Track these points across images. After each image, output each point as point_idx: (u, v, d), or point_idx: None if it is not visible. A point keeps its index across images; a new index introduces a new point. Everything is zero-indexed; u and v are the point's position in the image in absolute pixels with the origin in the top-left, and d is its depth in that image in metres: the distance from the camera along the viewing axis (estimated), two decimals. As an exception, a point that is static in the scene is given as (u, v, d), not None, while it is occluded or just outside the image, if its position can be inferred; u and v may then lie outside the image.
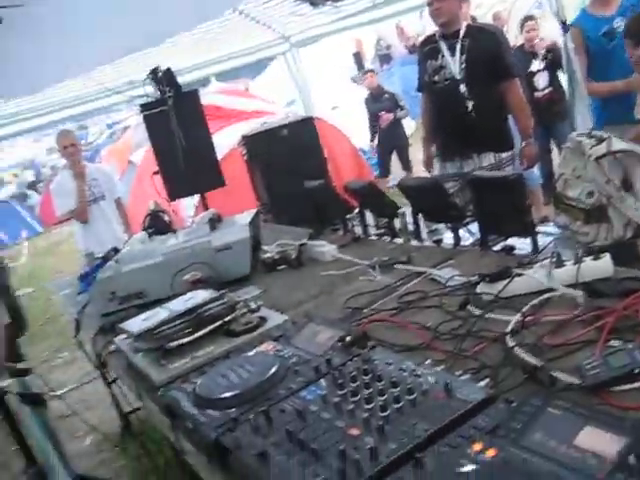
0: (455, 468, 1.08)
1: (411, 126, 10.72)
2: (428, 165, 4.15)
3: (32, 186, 18.82)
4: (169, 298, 2.45)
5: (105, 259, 2.98)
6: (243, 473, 1.37)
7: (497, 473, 1.05)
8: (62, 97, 6.86)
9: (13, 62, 2.85)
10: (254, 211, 3.03)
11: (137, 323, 2.20)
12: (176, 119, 4.07)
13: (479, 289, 1.96)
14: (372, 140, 9.43)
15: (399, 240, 2.85)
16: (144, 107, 4.11)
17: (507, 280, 1.88)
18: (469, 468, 1.07)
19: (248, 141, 4.74)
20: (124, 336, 2.28)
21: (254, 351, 1.84)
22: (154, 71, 4.01)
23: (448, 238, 2.66)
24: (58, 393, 5.71)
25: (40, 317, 8.61)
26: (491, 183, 2.25)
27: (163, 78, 4.01)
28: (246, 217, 2.96)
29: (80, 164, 5.78)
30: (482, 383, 1.38)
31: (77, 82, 5.95)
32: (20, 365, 2.43)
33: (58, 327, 7.54)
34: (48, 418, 2.52)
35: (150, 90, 4.21)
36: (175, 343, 2.00)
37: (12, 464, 2.90)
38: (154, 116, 4.09)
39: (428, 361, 1.53)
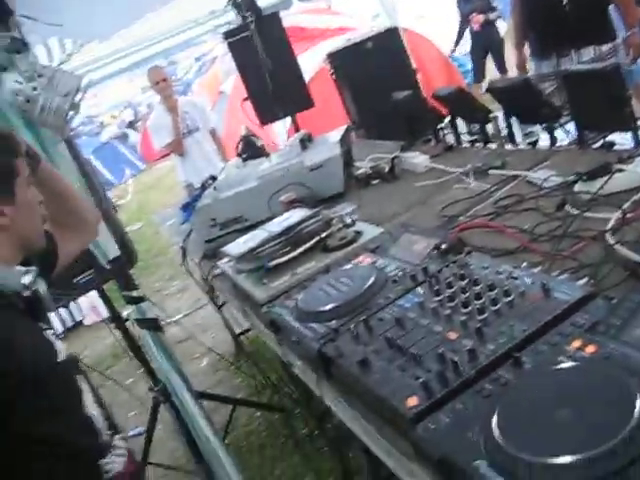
0: (554, 365, 1.08)
1: (504, 27, 10.22)
2: (521, 68, 3.96)
3: (131, 125, 19.34)
4: (267, 220, 2.51)
5: (203, 188, 3.07)
6: (346, 381, 1.42)
7: (597, 368, 1.04)
8: (147, 34, 6.96)
9: (96, 4, 2.91)
10: (344, 128, 3.02)
11: (238, 246, 2.28)
12: (260, 43, 4.05)
13: (577, 188, 1.89)
14: (456, 45, 9.09)
15: (493, 145, 2.78)
16: (227, 35, 4.11)
17: (606, 177, 1.81)
18: (568, 364, 1.07)
19: (333, 58, 4.67)
20: (227, 259, 2.37)
21: (352, 264, 1.88)
22: (234, -3, 3.99)
23: (544, 140, 2.56)
24: (174, 319, 6.05)
25: (151, 249, 9.02)
26: (586, 76, 2.14)
27: (243, 3, 3.98)
28: (336, 134, 2.96)
29: (172, 98, 5.90)
30: (581, 282, 1.35)
31: (160, 16, 6.01)
32: (135, 293, 2.56)
33: (168, 257, 7.87)
34: (166, 341, 2.66)
35: (232, 17, 4.20)
36: (275, 262, 2.06)
37: (139, 385, 3.12)
38: (238, 43, 4.09)
39: (524, 264, 1.51)
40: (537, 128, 2.62)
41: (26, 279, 1.31)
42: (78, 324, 6.86)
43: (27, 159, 1.55)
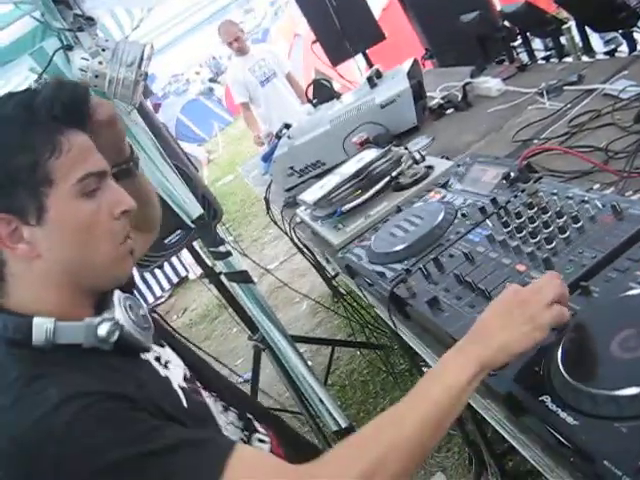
0: (621, 293, 1.05)
1: None
2: None
3: (214, 79, 19.59)
4: (343, 162, 2.51)
5: (278, 137, 3.09)
6: (420, 320, 1.43)
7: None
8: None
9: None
10: (411, 60, 2.94)
11: (313, 192, 2.30)
12: (323, -19, 3.96)
13: (656, 97, 1.78)
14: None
15: (569, 59, 2.64)
16: (289, -23, 4.05)
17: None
18: (635, 292, 1.03)
19: (399, -14, 4.51)
20: (304, 207, 2.40)
21: (421, 202, 1.86)
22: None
23: (624, 47, 2.41)
24: (272, 266, 6.21)
25: (246, 200, 9.22)
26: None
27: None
28: (404, 67, 2.88)
29: (246, 51, 5.92)
30: (656, 199, 1.29)
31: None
32: (222, 248, 2.63)
33: (262, 207, 8.03)
34: (258, 291, 2.74)
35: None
36: (348, 206, 2.07)
37: (244, 333, 3.24)
38: (300, -16, 4.02)
39: (596, 185, 1.46)
40: (616, 34, 2.45)
41: (102, 330, 1.02)
42: (184, 279, 7.15)
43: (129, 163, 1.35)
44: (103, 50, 2.38)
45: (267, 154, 3.42)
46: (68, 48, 2.40)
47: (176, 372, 1.19)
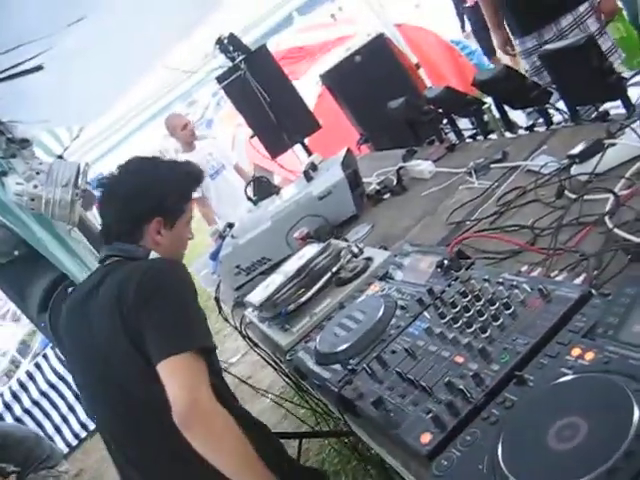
0: (556, 379, 1.07)
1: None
2: (505, 48, 3.83)
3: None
4: (289, 257, 2.53)
5: (222, 237, 3.11)
6: (368, 420, 1.43)
7: (597, 377, 1.02)
8: (150, 91, 7.09)
9: (88, 87, 2.99)
10: (344, 150, 3.02)
11: (258, 293, 2.30)
12: (254, 80, 4.08)
13: (573, 171, 1.86)
14: (463, 27, 8.95)
15: (494, 136, 2.75)
16: (220, 79, 4.15)
17: (599, 155, 1.77)
18: (569, 377, 1.06)
19: (325, 79, 4.66)
20: (251, 308, 2.40)
21: (363, 296, 1.88)
22: (218, 41, 4.03)
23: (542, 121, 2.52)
24: (235, 359, 6.13)
25: (202, 294, 9.10)
26: (563, 52, 2.09)
27: (229, 45, 4.02)
28: (339, 158, 2.96)
29: (193, 147, 5.99)
30: (579, 279, 1.33)
31: (155, 74, 6.13)
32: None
33: (219, 299, 7.96)
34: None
35: (223, 60, 4.25)
36: (292, 306, 2.08)
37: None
38: (233, 84, 4.12)
39: (524, 267, 1.50)
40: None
41: None
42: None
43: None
44: (37, 173, 2.40)
45: (214, 253, 3.42)
46: (2, 174, 2.41)
47: None
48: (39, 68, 2.25)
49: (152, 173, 2.10)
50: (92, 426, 6.20)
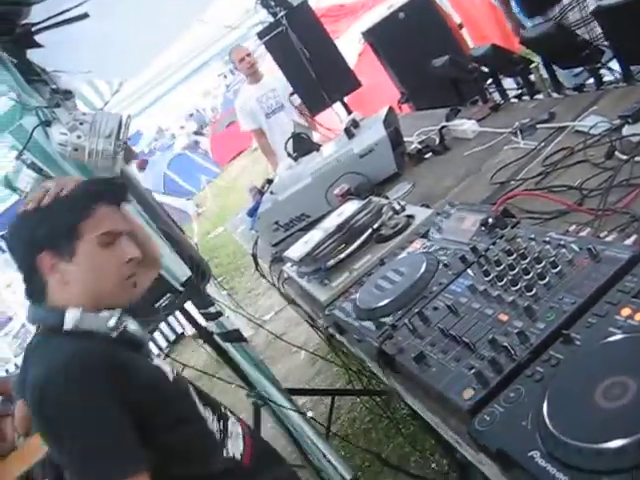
0: (604, 338, 1.05)
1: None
2: (518, 32, 3.71)
3: (199, 132, 19.77)
4: (328, 214, 2.53)
5: (261, 192, 3.11)
6: (408, 375, 1.43)
7: (645, 336, 1.01)
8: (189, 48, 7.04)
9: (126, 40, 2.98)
10: (386, 108, 2.98)
11: (298, 249, 2.30)
12: (295, 36, 4.04)
13: (625, 132, 1.81)
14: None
15: (540, 96, 2.69)
16: (261, 34, 4.11)
17: (654, 115, 1.72)
18: (618, 337, 1.04)
19: (368, 36, 4.59)
20: (290, 263, 2.40)
21: (404, 253, 1.87)
22: (260, -6, 3.98)
23: (591, 82, 2.46)
24: (268, 317, 6.19)
25: (237, 251, 9.19)
26: (619, 9, 2.02)
27: (270, 0, 3.97)
28: (380, 116, 2.92)
29: (258, 73, 5.89)
30: (630, 240, 1.30)
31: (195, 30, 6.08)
32: (212, 309, 2.63)
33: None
34: (251, 349, 2.73)
35: (264, 15, 4.21)
36: (332, 261, 2.08)
37: (240, 390, 3.20)
38: (273, 40, 4.08)
39: (572, 227, 1.47)
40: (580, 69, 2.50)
41: (111, 322, 1.48)
42: (181, 336, 7.11)
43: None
44: (81, 124, 2.41)
45: (252, 209, 3.44)
46: (47, 124, 2.43)
47: (166, 366, 1.63)
48: (85, 16, 2.25)
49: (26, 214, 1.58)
50: None
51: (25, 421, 5.21)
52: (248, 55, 5.73)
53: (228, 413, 1.76)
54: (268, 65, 6.34)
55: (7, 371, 9.16)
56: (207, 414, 1.64)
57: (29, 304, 1.57)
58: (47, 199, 1.53)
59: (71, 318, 1.45)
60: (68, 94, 2.67)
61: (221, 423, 1.67)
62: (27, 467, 4.60)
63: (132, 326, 1.54)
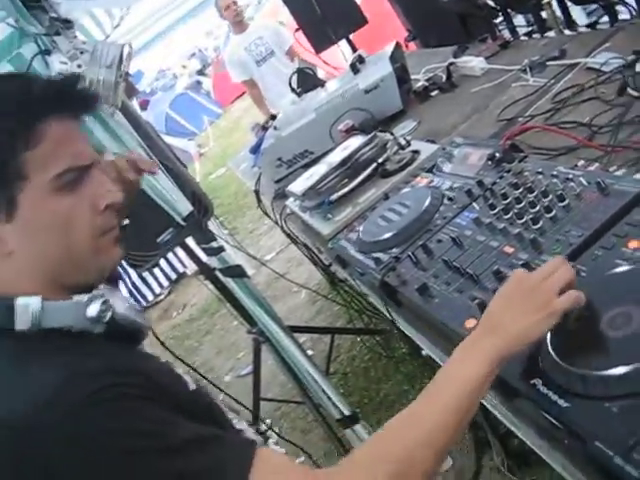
0: (610, 270, 1.05)
1: None
2: None
3: (201, 72, 19.47)
4: (331, 150, 2.50)
5: (265, 128, 3.07)
6: (411, 307, 1.43)
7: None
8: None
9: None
10: (393, 43, 2.92)
11: (301, 183, 2.29)
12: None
13: (638, 68, 1.76)
14: None
15: (551, 34, 2.62)
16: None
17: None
18: (625, 268, 1.03)
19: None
20: (293, 198, 2.39)
21: (408, 187, 1.85)
22: None
23: (607, 17, 2.39)
24: (269, 257, 6.20)
25: (238, 191, 9.18)
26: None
27: None
28: (387, 52, 2.86)
29: (244, 22, 5.82)
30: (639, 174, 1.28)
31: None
32: (214, 244, 2.62)
33: (255, 198, 8.02)
34: (253, 285, 2.73)
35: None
36: (336, 195, 2.06)
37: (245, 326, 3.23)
38: (279, -28, 3.99)
39: (581, 162, 1.45)
40: (595, 6, 2.43)
41: (91, 310, 0.94)
42: (182, 275, 7.14)
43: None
44: (81, 53, 2.37)
45: (255, 146, 3.40)
46: (46, 53, 2.38)
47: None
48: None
49: None
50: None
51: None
52: (234, 3, 5.63)
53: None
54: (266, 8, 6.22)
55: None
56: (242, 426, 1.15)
57: None
58: None
59: (24, 312, 0.90)
60: (68, 23, 2.61)
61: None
62: None
63: (121, 308, 1.00)
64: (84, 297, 0.94)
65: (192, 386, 1.05)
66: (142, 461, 0.81)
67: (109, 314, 0.96)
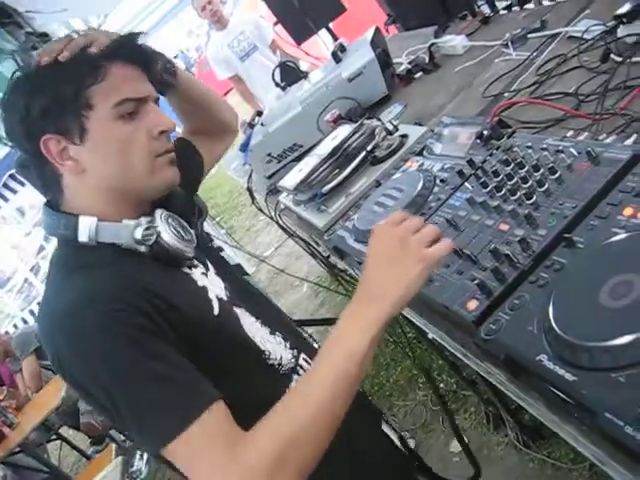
0: (607, 239, 1.04)
1: None
2: None
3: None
4: (320, 142, 2.49)
5: (251, 125, 3.06)
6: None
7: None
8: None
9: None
10: (373, 29, 2.90)
11: (292, 177, 2.28)
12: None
13: (620, 33, 1.75)
14: None
15: (530, 5, 2.61)
16: (240, -39, 3.99)
17: (649, 12, 1.66)
18: (622, 235, 1.02)
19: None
20: (285, 193, 2.38)
21: (399, 172, 1.85)
22: None
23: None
24: (268, 253, 6.20)
25: (233, 190, 9.17)
26: None
27: None
28: (367, 37, 2.84)
29: (224, 19, 5.80)
30: (630, 140, 1.27)
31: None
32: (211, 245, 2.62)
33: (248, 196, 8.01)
34: (254, 282, 2.73)
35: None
36: (328, 187, 2.05)
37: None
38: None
39: (570, 132, 1.44)
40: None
41: (137, 233, 1.14)
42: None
43: (162, 80, 1.40)
44: (61, 65, 2.34)
45: (244, 144, 3.38)
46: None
47: (216, 285, 1.28)
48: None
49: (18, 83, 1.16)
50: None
51: (35, 379, 5.29)
52: (210, 3, 5.60)
53: (310, 342, 1.55)
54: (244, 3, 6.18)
55: (15, 326, 9.28)
56: (271, 343, 1.31)
57: (43, 208, 1.22)
58: (67, 52, 1.13)
59: (85, 228, 1.14)
60: (45, 37, 2.59)
61: (295, 352, 1.36)
62: (42, 417, 4.70)
63: (167, 236, 1.16)
64: (132, 222, 1.16)
65: (216, 311, 1.20)
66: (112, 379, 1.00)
67: (153, 238, 1.16)
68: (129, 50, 1.22)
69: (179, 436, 0.95)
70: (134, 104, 1.17)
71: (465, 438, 2.81)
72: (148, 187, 1.20)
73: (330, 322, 4.08)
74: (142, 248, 1.15)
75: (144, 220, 1.16)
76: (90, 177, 1.17)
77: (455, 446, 2.87)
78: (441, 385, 3.17)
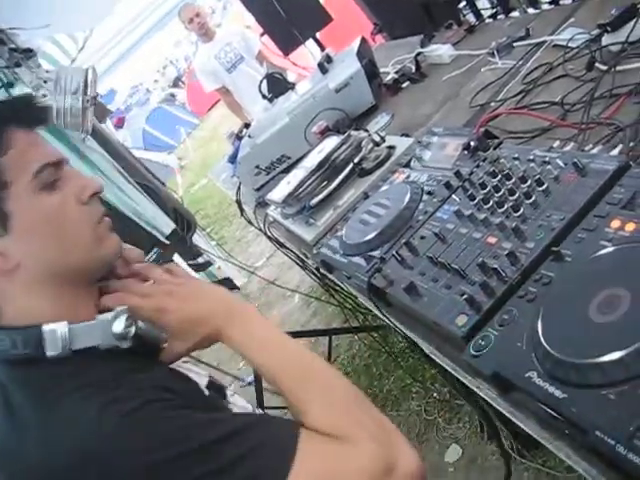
0: (595, 252, 1.03)
1: None
2: None
3: (175, 84, 19.43)
4: (308, 153, 2.48)
5: (239, 137, 3.05)
6: (400, 307, 1.41)
7: (636, 249, 0.98)
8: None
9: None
10: (359, 39, 2.90)
11: (280, 190, 2.26)
12: (261, -27, 3.91)
13: (604, 41, 1.75)
14: None
15: (515, 13, 2.61)
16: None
17: (633, 21, 1.66)
18: (610, 249, 1.01)
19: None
20: (274, 206, 2.37)
21: (387, 185, 1.84)
22: None
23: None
24: (260, 263, 6.17)
25: (223, 201, 9.13)
26: None
27: None
28: (352, 48, 2.84)
29: (211, 31, 5.82)
30: (615, 150, 1.27)
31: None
32: (200, 259, 2.61)
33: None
34: (244, 298, 2.71)
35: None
36: (316, 199, 2.04)
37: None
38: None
39: (557, 143, 1.43)
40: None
41: (117, 326, 0.95)
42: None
43: None
44: (45, 82, 2.33)
45: (232, 156, 3.37)
46: (9, 86, 2.35)
47: (199, 376, 1.13)
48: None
49: None
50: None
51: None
52: (197, 15, 5.62)
53: None
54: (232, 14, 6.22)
55: None
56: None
57: None
58: None
59: (54, 338, 0.91)
60: (29, 52, 2.58)
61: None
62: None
63: (142, 323, 1.00)
64: (108, 315, 0.96)
65: (206, 392, 1.07)
66: (184, 462, 0.82)
67: (133, 329, 0.97)
68: (23, 114, 1.02)
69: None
70: (54, 169, 0.98)
71: (459, 448, 2.81)
72: (96, 261, 1.02)
73: (321, 333, 4.08)
74: (124, 344, 0.95)
75: (119, 308, 0.97)
76: (27, 271, 0.95)
77: (450, 456, 2.85)
78: (435, 395, 3.16)
